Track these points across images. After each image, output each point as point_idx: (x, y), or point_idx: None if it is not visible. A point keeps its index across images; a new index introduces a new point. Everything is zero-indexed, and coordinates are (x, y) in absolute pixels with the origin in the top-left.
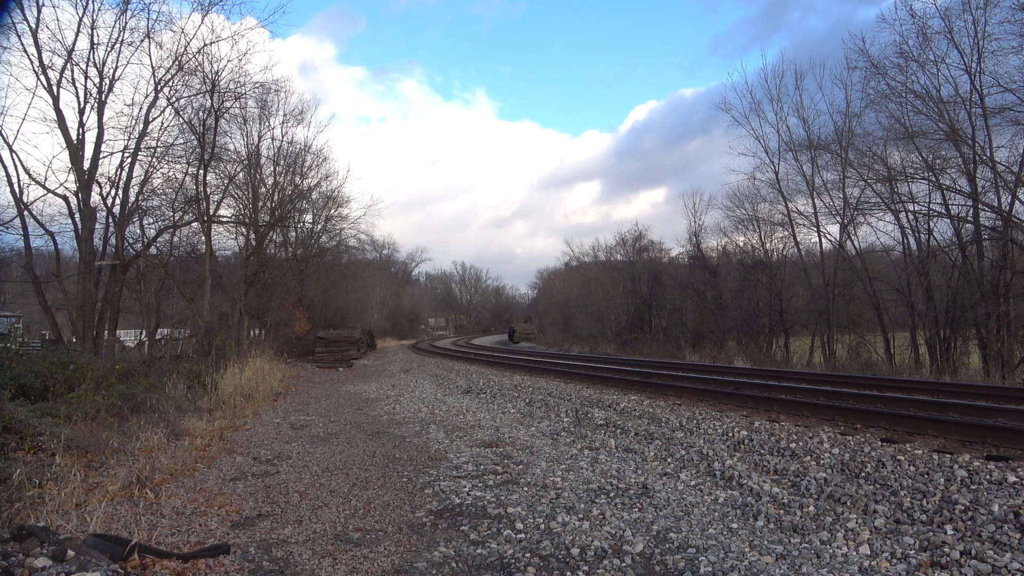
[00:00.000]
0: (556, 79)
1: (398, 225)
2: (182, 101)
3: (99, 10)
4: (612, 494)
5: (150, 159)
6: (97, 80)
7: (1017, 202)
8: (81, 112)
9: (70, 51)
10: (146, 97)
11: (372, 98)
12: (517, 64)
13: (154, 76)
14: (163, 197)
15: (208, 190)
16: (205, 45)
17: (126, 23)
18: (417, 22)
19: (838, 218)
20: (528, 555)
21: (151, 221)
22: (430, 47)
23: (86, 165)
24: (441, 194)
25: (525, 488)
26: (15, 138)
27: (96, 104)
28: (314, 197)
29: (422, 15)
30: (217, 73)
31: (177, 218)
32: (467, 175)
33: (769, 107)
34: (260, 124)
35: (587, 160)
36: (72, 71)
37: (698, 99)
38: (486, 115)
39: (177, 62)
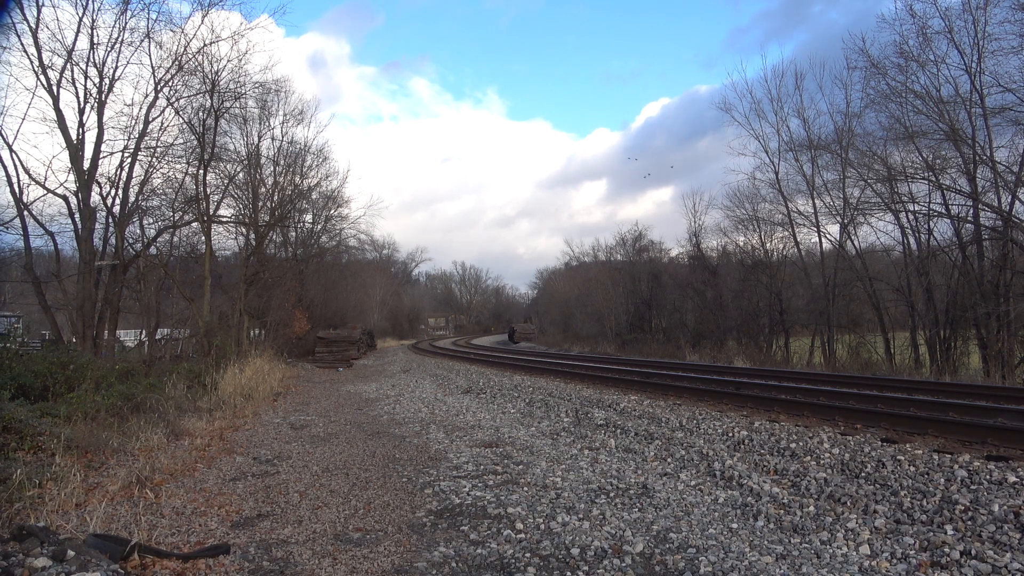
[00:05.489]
0: (569, 77)
1: (402, 224)
2: (182, 101)
3: (99, 10)
4: (612, 494)
5: (150, 159)
6: (97, 80)
7: (1017, 202)
8: (81, 112)
9: (70, 51)
10: (146, 97)
11: (384, 96)
12: (531, 61)
13: (154, 76)
14: (163, 197)
15: (208, 190)
16: (205, 45)
17: (126, 23)
18: (434, 18)
19: (838, 218)
20: (528, 555)
21: (151, 221)
22: (445, 43)
23: (86, 165)
24: (448, 193)
25: (525, 488)
26: (15, 138)
27: (96, 104)
28: (314, 197)
29: (440, 11)
30: (217, 73)
31: (177, 218)
32: (475, 174)
33: (769, 107)
34: (260, 124)
35: (595, 158)
36: (72, 71)
37: (712, 96)
38: (496, 115)
39: (177, 62)
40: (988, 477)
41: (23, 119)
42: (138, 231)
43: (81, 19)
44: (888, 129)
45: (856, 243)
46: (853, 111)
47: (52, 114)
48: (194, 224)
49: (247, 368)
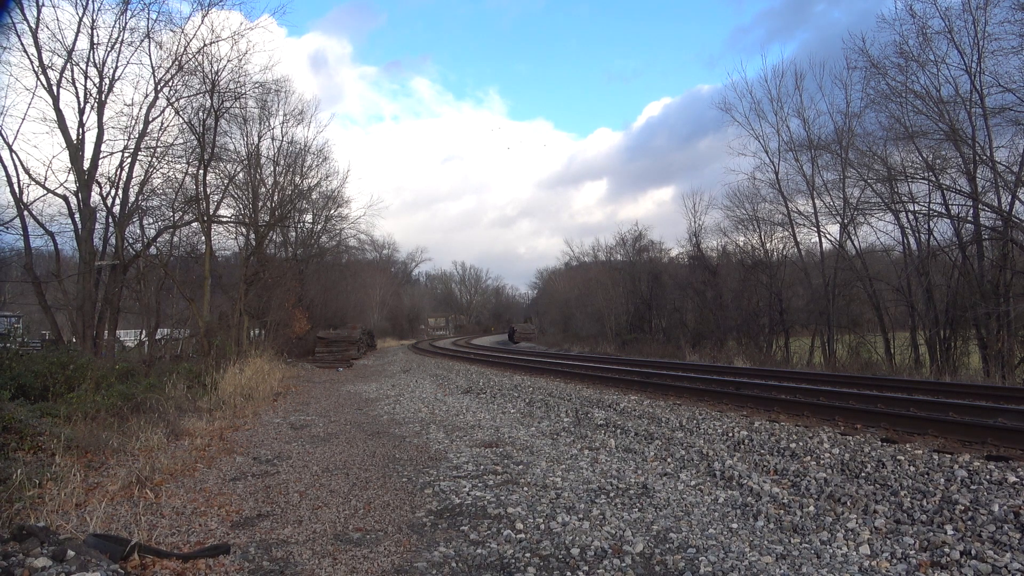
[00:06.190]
0: (570, 77)
1: (403, 224)
2: (182, 101)
3: (99, 10)
4: (612, 494)
5: (150, 159)
6: (97, 80)
7: (1017, 202)
8: (81, 112)
9: (70, 51)
10: (146, 97)
11: (385, 96)
12: (532, 61)
13: (154, 76)
14: (163, 197)
15: (208, 190)
16: (205, 45)
17: (126, 23)
18: (436, 18)
19: (838, 218)
20: (528, 555)
21: (151, 221)
22: (447, 43)
23: (86, 165)
24: (449, 193)
25: (525, 488)
26: (15, 138)
27: (96, 104)
28: (314, 197)
29: (442, 11)
30: (217, 73)
31: (177, 218)
32: (476, 174)
33: (769, 107)
34: (260, 124)
35: (596, 158)
36: (72, 71)
37: (714, 95)
38: (497, 114)
39: (177, 62)
40: (988, 477)
41: (23, 119)
42: (138, 231)
43: (81, 19)
44: (888, 129)
45: (856, 243)
46: (853, 111)
47: (52, 114)
48: (194, 224)
49: (247, 368)
